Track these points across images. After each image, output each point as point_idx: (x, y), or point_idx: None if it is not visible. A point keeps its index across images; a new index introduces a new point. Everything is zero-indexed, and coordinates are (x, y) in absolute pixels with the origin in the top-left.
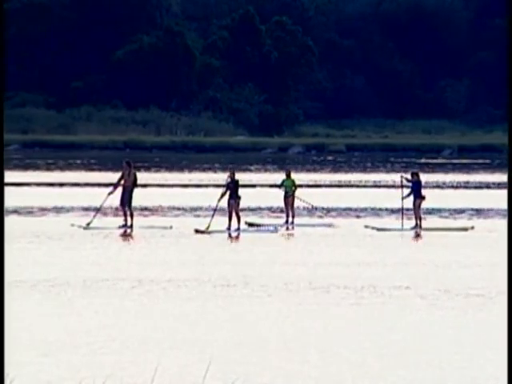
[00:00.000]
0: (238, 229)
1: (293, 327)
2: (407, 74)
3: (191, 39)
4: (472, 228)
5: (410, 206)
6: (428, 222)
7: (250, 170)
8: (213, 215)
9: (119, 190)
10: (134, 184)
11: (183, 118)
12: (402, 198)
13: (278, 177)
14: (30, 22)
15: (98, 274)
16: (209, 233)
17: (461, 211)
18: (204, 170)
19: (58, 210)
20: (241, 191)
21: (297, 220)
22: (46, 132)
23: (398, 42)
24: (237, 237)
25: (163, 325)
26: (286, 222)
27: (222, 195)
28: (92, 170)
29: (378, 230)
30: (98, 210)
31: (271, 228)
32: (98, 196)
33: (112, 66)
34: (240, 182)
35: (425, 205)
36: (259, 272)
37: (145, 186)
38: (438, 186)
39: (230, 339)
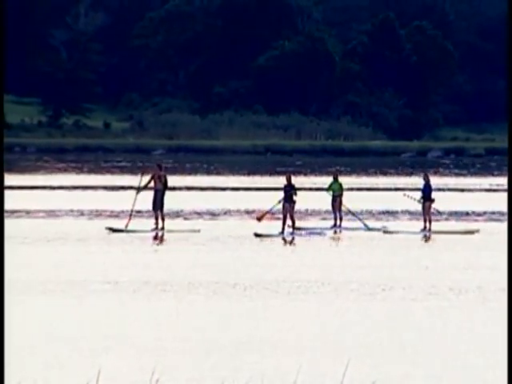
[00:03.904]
0: (292, 233)
1: (424, 329)
2: None
3: (331, 44)
4: (477, 231)
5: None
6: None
7: (390, 174)
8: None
9: (142, 193)
10: (165, 187)
11: (323, 122)
12: (418, 201)
13: (416, 181)
14: (175, 29)
15: (201, 277)
16: (268, 236)
17: None
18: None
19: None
20: (378, 194)
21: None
22: (190, 137)
23: None
24: (292, 240)
25: (299, 327)
26: (334, 225)
27: (281, 199)
28: (234, 173)
29: (389, 232)
30: (130, 212)
31: (319, 231)
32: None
33: (254, 71)
34: (379, 186)
35: None
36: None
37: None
38: None
39: (367, 341)
